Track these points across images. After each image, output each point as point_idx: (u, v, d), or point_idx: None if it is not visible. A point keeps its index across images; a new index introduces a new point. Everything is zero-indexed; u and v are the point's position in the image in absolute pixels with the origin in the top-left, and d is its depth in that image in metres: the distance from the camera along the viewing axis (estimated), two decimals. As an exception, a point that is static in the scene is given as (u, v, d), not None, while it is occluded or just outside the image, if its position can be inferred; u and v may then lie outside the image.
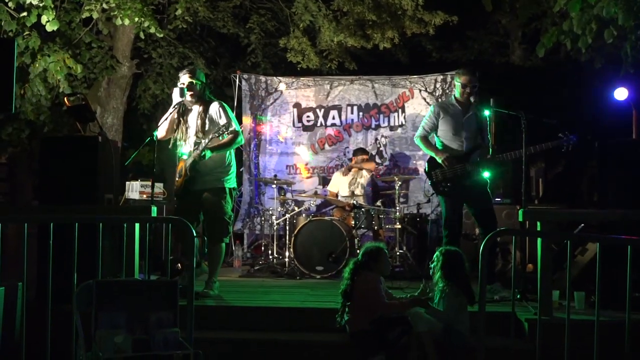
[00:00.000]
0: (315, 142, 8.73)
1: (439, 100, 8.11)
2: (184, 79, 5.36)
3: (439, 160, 5.51)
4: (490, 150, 5.62)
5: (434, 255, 4.46)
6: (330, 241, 6.70)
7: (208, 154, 5.16)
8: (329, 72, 9.97)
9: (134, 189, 7.10)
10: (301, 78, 8.92)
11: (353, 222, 7.07)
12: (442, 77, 8.44)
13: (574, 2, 5.83)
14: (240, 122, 8.71)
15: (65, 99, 5.55)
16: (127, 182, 7.21)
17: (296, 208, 7.46)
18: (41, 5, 6.53)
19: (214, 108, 5.36)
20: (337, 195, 7.91)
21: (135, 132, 10.35)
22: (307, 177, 8.69)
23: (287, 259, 7.06)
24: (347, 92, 8.74)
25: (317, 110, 8.76)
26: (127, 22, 7.15)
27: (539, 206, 7.62)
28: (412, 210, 7.71)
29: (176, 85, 5.40)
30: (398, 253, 6.97)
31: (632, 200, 4.91)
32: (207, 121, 5.33)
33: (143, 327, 3.34)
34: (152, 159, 5.12)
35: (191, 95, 5.32)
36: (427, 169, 5.66)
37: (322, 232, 6.78)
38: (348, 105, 8.73)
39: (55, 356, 3.68)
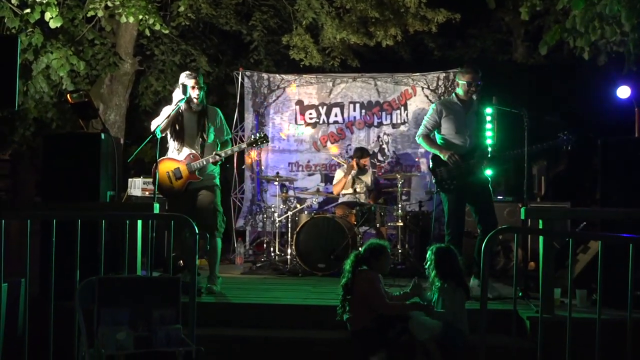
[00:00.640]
0: (318, 139, 8.73)
1: (442, 98, 8.10)
2: (189, 82, 5.39)
3: (444, 158, 5.47)
4: (493, 148, 5.61)
5: (427, 256, 4.44)
6: (332, 238, 6.70)
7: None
8: (331, 69, 9.96)
9: (137, 186, 7.13)
10: (304, 75, 8.91)
11: (355, 220, 7.08)
12: (444, 74, 8.43)
13: (577, 0, 5.81)
14: (242, 119, 8.74)
15: (68, 95, 5.54)
16: (130, 179, 7.22)
17: (298, 205, 7.47)
18: (44, 2, 6.54)
19: (215, 114, 5.57)
20: (339, 193, 7.91)
21: (138, 129, 10.36)
22: (310, 175, 8.69)
23: (289, 256, 7.06)
24: (350, 90, 8.73)
25: (320, 107, 8.75)
26: (131, 19, 7.15)
27: (541, 204, 7.61)
28: (414, 207, 7.70)
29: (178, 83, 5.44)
30: (400, 251, 6.97)
31: (635, 199, 4.89)
32: (207, 126, 5.45)
33: (145, 323, 3.34)
34: (154, 155, 5.13)
35: (196, 99, 5.41)
36: (431, 167, 5.63)
37: (324, 230, 6.78)
38: (350, 102, 8.71)
39: (58, 353, 3.69)
